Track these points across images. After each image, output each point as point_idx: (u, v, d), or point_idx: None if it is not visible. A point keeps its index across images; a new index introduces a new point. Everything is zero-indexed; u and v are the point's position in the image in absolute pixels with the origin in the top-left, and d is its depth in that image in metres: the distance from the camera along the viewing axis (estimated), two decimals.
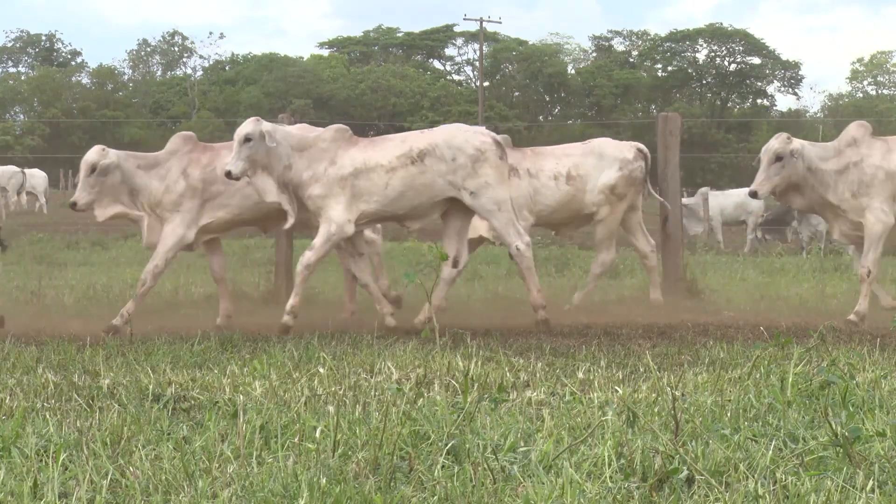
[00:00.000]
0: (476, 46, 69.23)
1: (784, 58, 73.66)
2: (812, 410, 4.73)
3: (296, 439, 4.33)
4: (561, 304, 10.36)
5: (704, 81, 73.98)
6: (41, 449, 4.17)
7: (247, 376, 5.94)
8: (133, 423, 4.62)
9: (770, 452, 4.01)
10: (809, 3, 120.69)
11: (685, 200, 21.78)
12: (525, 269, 8.80)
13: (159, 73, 76.59)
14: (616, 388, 5.58)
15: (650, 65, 75.10)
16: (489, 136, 8.92)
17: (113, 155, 8.84)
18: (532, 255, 8.86)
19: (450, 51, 76.92)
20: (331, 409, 4.87)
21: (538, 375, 6.05)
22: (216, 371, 6.16)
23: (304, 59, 72.25)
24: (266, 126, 8.51)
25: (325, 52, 75.11)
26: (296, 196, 8.67)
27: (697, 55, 74.05)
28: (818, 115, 73.82)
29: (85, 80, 73.36)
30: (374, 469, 3.89)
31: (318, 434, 4.35)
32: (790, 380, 5.09)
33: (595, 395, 5.36)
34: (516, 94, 73.02)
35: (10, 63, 75.49)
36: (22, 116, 67.70)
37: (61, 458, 3.96)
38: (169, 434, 4.47)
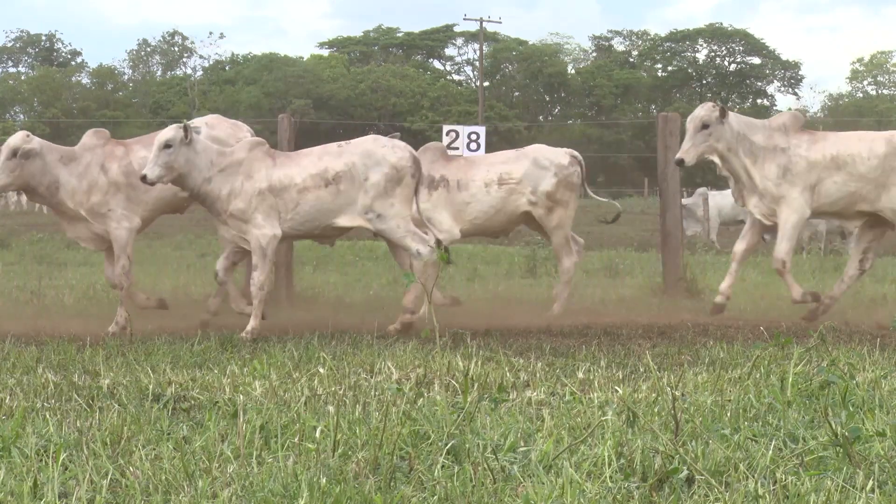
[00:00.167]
0: (476, 46, 69.24)
1: (784, 58, 73.79)
2: (812, 410, 4.73)
3: (296, 439, 4.33)
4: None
5: (704, 81, 74.01)
6: (41, 449, 4.17)
7: (247, 376, 5.94)
8: (133, 423, 4.62)
9: (770, 452, 4.01)
10: (809, 3, 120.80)
11: (684, 201, 21.76)
12: (421, 272, 8.66)
13: (159, 73, 76.63)
14: (616, 388, 5.58)
15: (650, 65, 75.14)
16: (407, 151, 8.84)
17: (36, 143, 8.82)
18: (432, 259, 8.75)
19: (450, 51, 77.02)
20: (331, 409, 4.87)
21: (538, 375, 6.05)
22: (216, 371, 6.16)
23: (304, 59, 72.27)
24: (185, 134, 8.39)
25: (325, 52, 75.15)
26: (211, 210, 8.64)
27: (697, 55, 74.11)
28: (818, 115, 73.83)
29: (85, 80, 73.41)
30: (374, 469, 3.89)
31: (318, 434, 4.35)
32: (790, 380, 5.10)
33: (595, 395, 5.36)
34: (516, 94, 73.03)
35: (10, 63, 75.58)
36: (22, 116, 67.67)
37: (61, 458, 3.96)
38: (169, 434, 4.47)
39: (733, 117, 9.57)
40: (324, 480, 3.70)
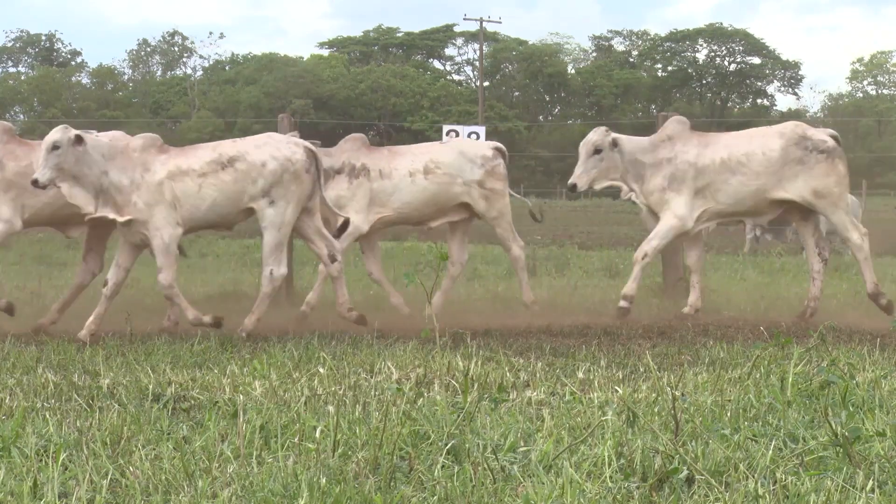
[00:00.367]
0: (476, 46, 69.24)
1: (784, 58, 73.80)
2: (812, 410, 4.73)
3: (296, 439, 4.33)
4: (562, 306, 10.36)
5: (704, 81, 74.03)
6: (41, 449, 4.17)
7: (247, 376, 5.94)
8: (133, 423, 4.62)
9: (770, 452, 4.01)
10: (809, 3, 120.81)
11: None
12: (263, 295, 8.63)
13: (159, 73, 76.66)
14: (616, 388, 5.58)
15: (650, 65, 75.15)
16: (303, 146, 8.78)
17: None
18: (277, 287, 8.78)
19: (450, 51, 77.03)
20: (331, 409, 4.87)
21: (538, 375, 6.05)
22: (216, 371, 6.16)
23: (304, 59, 72.28)
24: (73, 133, 8.31)
25: (325, 52, 75.15)
26: (114, 209, 8.50)
27: (697, 55, 74.12)
28: (818, 115, 73.86)
29: (85, 80, 73.44)
30: (374, 469, 3.89)
31: (318, 434, 4.35)
32: (790, 380, 5.09)
33: (595, 395, 5.36)
34: (516, 94, 73.05)
35: (10, 63, 75.60)
36: (22, 116, 67.69)
37: (61, 458, 3.96)
38: (169, 434, 4.47)
39: (626, 142, 9.68)
40: (324, 480, 3.70)
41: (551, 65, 71.24)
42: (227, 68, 73.90)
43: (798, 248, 22.59)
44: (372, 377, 6.01)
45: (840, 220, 9.71)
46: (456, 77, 76.08)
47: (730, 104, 74.42)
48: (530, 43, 73.56)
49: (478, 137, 16.80)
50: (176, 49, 77.03)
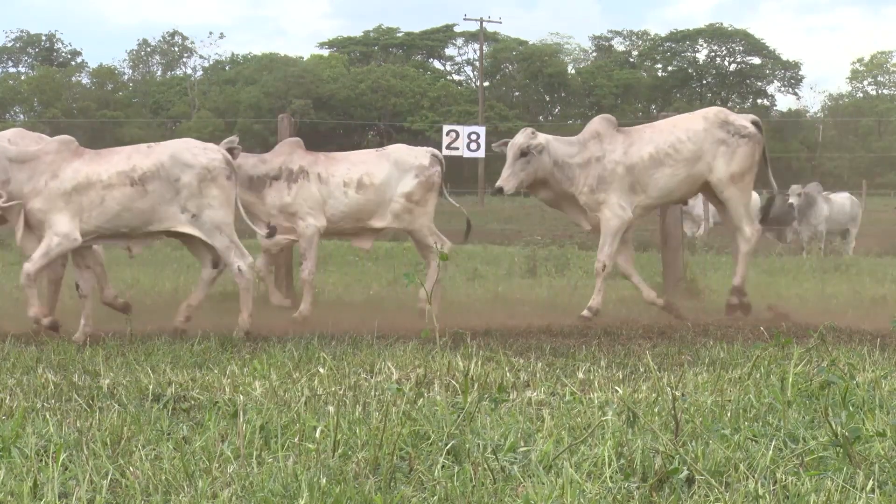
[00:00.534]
0: (476, 46, 69.21)
1: (784, 58, 73.72)
2: (812, 410, 4.73)
3: (296, 439, 4.33)
4: (562, 306, 10.36)
5: (704, 81, 74.00)
6: (41, 449, 4.18)
7: (247, 376, 5.94)
8: (133, 423, 4.62)
9: (770, 452, 4.01)
10: (809, 3, 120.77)
11: None
12: (243, 290, 8.58)
13: (159, 73, 76.62)
14: (616, 388, 5.58)
15: (650, 65, 75.13)
16: (220, 153, 8.66)
17: None
18: (253, 276, 8.74)
19: (450, 51, 76.97)
20: (331, 409, 4.87)
21: (538, 375, 6.05)
22: (216, 371, 6.16)
23: (304, 59, 72.23)
24: None
25: (325, 52, 75.11)
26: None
27: (697, 55, 74.08)
28: (818, 115, 73.84)
29: (85, 80, 73.36)
30: (374, 469, 3.89)
31: (318, 434, 4.35)
32: (790, 380, 5.09)
33: (595, 395, 5.36)
34: (516, 94, 73.02)
35: (10, 63, 75.54)
36: (22, 116, 67.63)
37: (61, 458, 3.96)
38: (169, 434, 4.47)
39: (553, 144, 9.66)
40: (324, 480, 3.70)
41: (551, 65, 71.22)
42: (227, 68, 73.86)
43: (798, 248, 22.61)
44: (372, 377, 6.01)
45: (739, 210, 9.74)
46: (456, 77, 76.08)
47: (730, 104, 74.34)
48: (530, 43, 73.54)
49: (478, 137, 16.78)
50: (176, 49, 77.00)
